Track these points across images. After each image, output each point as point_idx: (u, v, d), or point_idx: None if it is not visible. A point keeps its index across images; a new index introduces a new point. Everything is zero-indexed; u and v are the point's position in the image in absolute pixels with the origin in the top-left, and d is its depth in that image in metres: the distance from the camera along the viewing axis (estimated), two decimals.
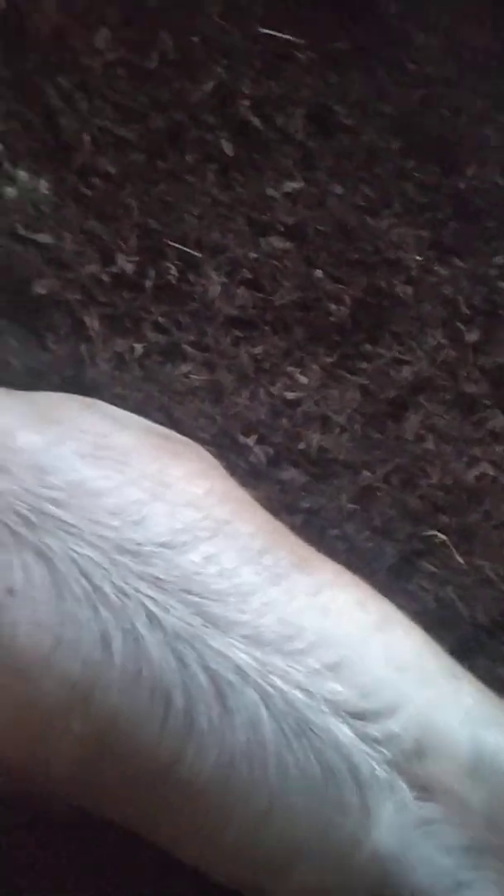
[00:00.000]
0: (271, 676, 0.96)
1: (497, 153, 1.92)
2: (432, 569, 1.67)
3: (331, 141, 1.80)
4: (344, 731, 0.96)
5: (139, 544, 0.97)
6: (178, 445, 1.16)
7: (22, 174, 1.65)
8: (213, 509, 1.03)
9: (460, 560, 1.74)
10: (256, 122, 1.75)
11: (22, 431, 0.99)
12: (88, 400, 1.14)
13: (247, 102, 1.74)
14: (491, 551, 1.73)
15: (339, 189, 1.79)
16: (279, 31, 1.80)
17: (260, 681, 0.95)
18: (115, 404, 1.32)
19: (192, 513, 1.02)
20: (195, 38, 1.77)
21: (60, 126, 1.67)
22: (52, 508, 0.95)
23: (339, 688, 0.97)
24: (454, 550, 1.73)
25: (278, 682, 0.96)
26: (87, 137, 1.67)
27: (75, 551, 0.94)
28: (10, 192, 1.64)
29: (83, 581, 0.94)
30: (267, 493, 1.74)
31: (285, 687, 0.96)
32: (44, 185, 1.65)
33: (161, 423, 1.49)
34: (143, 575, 0.96)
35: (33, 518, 0.94)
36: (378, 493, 1.64)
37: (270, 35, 1.81)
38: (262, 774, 0.95)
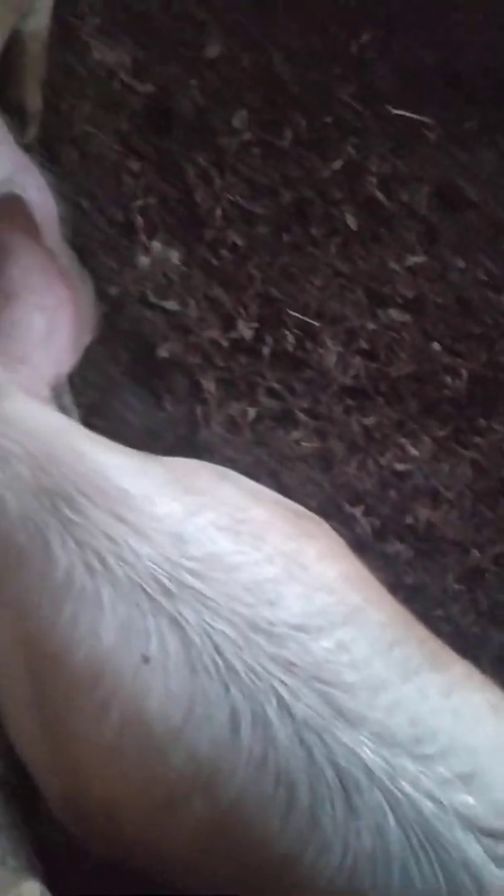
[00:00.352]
0: (400, 781, 0.84)
1: None
2: None
3: (455, 216, 1.62)
4: (475, 849, 0.83)
5: (272, 624, 0.88)
6: (309, 523, 1.04)
7: (156, 245, 1.54)
8: (346, 594, 0.93)
9: None
10: (382, 197, 1.59)
11: (162, 498, 0.92)
12: (221, 469, 1.05)
13: (374, 179, 1.59)
14: None
15: (461, 263, 1.60)
16: (410, 112, 1.63)
17: (389, 784, 0.84)
18: (226, 467, 1.21)
19: (326, 596, 0.92)
20: (328, 119, 1.63)
21: (195, 201, 1.55)
22: (189, 579, 0.88)
23: (471, 801, 0.84)
24: None
25: (408, 788, 0.84)
26: (218, 212, 1.55)
27: (210, 625, 0.87)
28: (144, 261, 1.53)
29: (216, 656, 0.86)
30: (371, 566, 1.52)
31: (415, 794, 0.83)
32: (175, 256, 1.54)
33: (270, 483, 1.42)
34: (275, 657, 0.86)
35: (171, 586, 0.87)
36: (486, 575, 1.43)
37: (401, 115, 1.64)
38: (385, 884, 0.83)
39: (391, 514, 1.50)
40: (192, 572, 0.88)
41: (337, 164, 1.66)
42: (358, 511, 1.50)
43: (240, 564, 0.89)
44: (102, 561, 0.87)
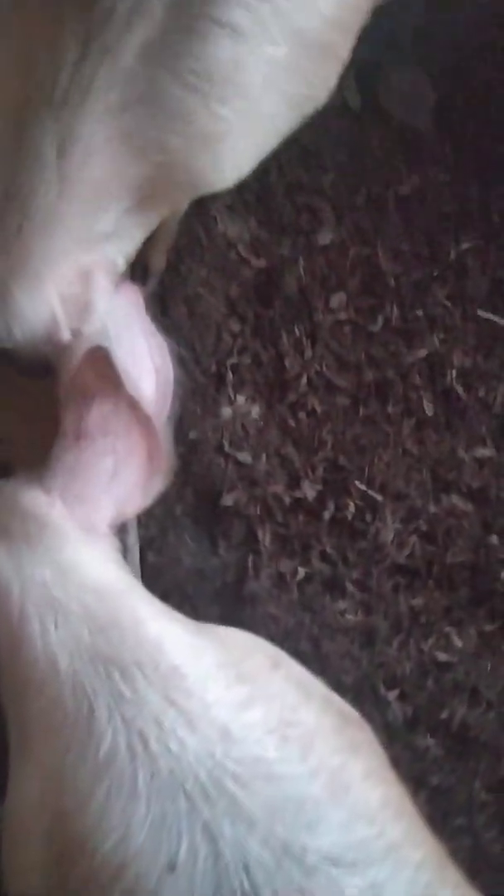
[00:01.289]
0: None
1: None
2: None
3: None
4: None
5: (306, 850, 0.62)
6: (355, 731, 0.78)
7: (241, 399, 1.17)
8: (387, 825, 0.67)
9: None
10: (460, 390, 1.22)
11: (215, 684, 0.69)
12: (275, 653, 0.82)
13: (454, 372, 1.23)
14: None
15: None
16: (495, 316, 1.22)
17: None
18: (267, 624, 1.09)
19: (366, 828, 0.66)
20: (419, 312, 1.25)
21: (284, 366, 1.20)
22: (230, 785, 0.63)
23: None
24: None
25: None
26: (304, 378, 1.20)
27: (244, 842, 0.61)
28: (227, 412, 1.17)
29: (244, 877, 0.60)
30: (396, 756, 0.98)
31: None
32: (255, 411, 1.17)
33: (308, 655, 1.16)
34: (303, 890, 0.60)
35: (211, 790, 0.62)
36: None
37: (487, 318, 1.24)
38: None
39: (426, 706, 1.04)
40: (234, 777, 0.65)
41: (421, 353, 1.30)
42: (392, 695, 1.04)
43: (283, 776, 0.66)
44: (146, 746, 0.65)
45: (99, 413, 0.75)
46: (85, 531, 0.75)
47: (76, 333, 0.77)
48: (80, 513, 0.75)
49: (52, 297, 0.74)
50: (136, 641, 0.69)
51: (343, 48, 0.77)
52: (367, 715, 1.17)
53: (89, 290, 0.76)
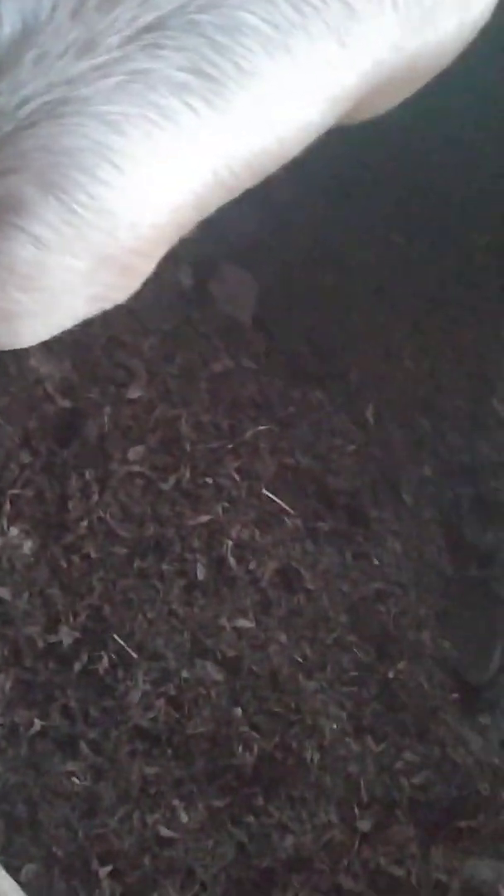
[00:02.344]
0: None
1: (426, 658, 1.34)
2: None
3: (290, 596, 1.31)
4: None
5: None
6: None
7: (13, 531, 1.13)
8: None
9: None
10: (232, 561, 1.29)
11: None
12: None
13: (230, 542, 1.29)
14: None
15: (283, 638, 1.23)
16: (278, 498, 1.36)
17: None
18: None
19: None
20: (209, 480, 1.32)
21: (67, 507, 1.20)
22: None
23: None
24: None
25: None
26: (85, 522, 1.20)
27: None
28: None
29: None
30: None
31: None
32: (28, 546, 1.13)
33: (21, 822, 1.08)
34: None
35: None
36: None
37: (270, 498, 1.36)
38: None
39: (137, 886, 0.98)
40: None
41: (203, 518, 1.37)
42: (104, 871, 0.98)
43: None
44: None
45: None
46: None
47: None
48: None
49: None
50: None
51: (143, 268, 0.87)
52: (73, 892, 1.10)
53: None
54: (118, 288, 0.85)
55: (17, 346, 0.84)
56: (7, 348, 0.86)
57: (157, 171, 0.78)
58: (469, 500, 1.74)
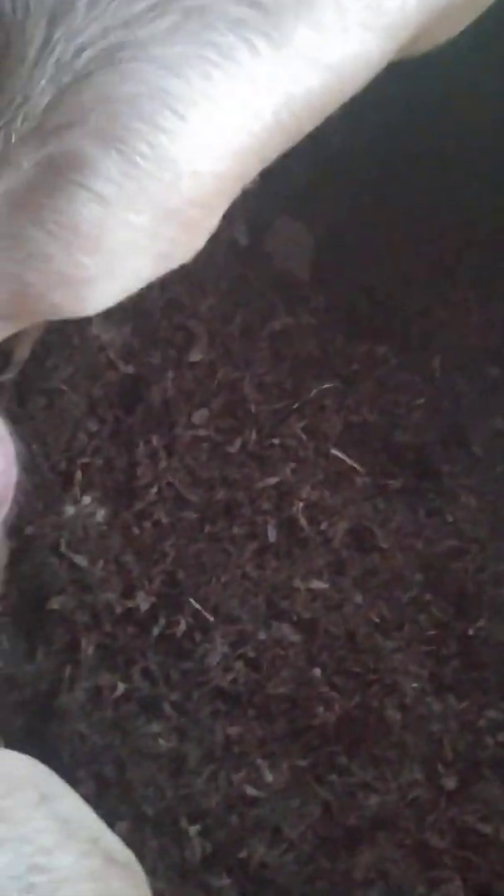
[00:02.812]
0: None
1: None
2: None
3: (363, 556, 1.31)
4: None
5: None
6: (117, 874, 0.73)
7: (86, 499, 1.18)
8: None
9: None
10: (303, 521, 1.28)
11: None
12: (46, 784, 0.73)
13: (300, 503, 1.29)
14: None
15: (359, 598, 1.24)
16: (346, 456, 1.34)
17: None
18: (74, 741, 1.06)
19: None
20: (276, 441, 1.33)
21: (136, 474, 1.22)
22: None
23: None
24: None
25: None
26: (154, 489, 1.23)
27: None
28: (70, 510, 1.18)
29: None
30: None
31: None
32: (101, 514, 1.18)
33: (110, 781, 1.13)
34: None
35: None
36: None
37: (338, 457, 1.36)
38: None
39: (226, 843, 1.03)
40: None
41: (272, 480, 1.37)
42: (194, 829, 1.03)
43: None
44: None
45: None
46: None
47: None
48: None
49: None
50: None
51: (206, 222, 0.86)
52: (164, 850, 1.14)
53: None
54: (183, 245, 0.85)
55: (83, 314, 0.85)
56: (73, 317, 0.87)
57: (218, 115, 0.77)
58: None
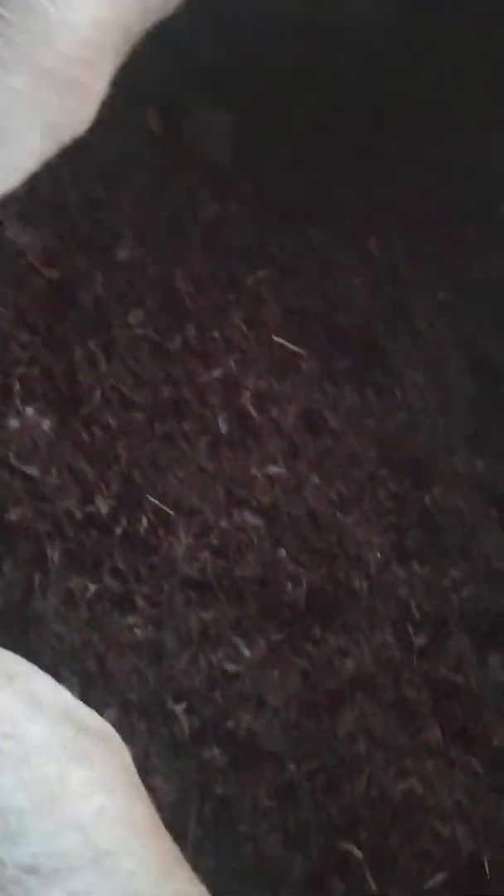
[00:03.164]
0: None
1: (461, 480, 1.40)
2: (342, 888, 0.98)
3: (316, 439, 1.34)
4: None
5: (4, 862, 0.61)
6: (91, 742, 0.74)
7: (29, 410, 1.19)
8: (97, 835, 0.66)
9: (373, 885, 1.04)
10: (253, 411, 1.30)
11: None
12: (13, 666, 0.75)
13: (248, 393, 1.31)
14: (406, 880, 1.03)
15: (316, 480, 1.28)
16: (290, 343, 1.36)
17: None
18: (53, 643, 1.08)
19: (73, 836, 0.64)
20: (216, 334, 1.34)
21: (77, 379, 1.22)
22: None
23: None
24: (367, 872, 1.04)
25: None
26: (98, 393, 1.22)
27: None
28: (14, 423, 1.16)
29: None
30: (183, 769, 1.04)
31: None
32: (46, 424, 1.17)
33: (93, 674, 1.16)
34: None
35: None
36: (298, 794, 1.02)
37: (282, 344, 1.37)
38: None
39: (213, 717, 1.09)
40: None
41: (217, 373, 1.39)
42: (180, 708, 1.09)
43: None
44: None
45: None
46: None
47: None
48: None
49: None
50: None
51: (92, 84, 0.83)
52: (154, 731, 1.21)
53: None
54: (70, 111, 0.82)
55: None
56: None
57: None
58: (488, 319, 1.74)
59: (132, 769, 0.77)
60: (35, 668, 0.79)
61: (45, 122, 0.79)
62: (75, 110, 0.81)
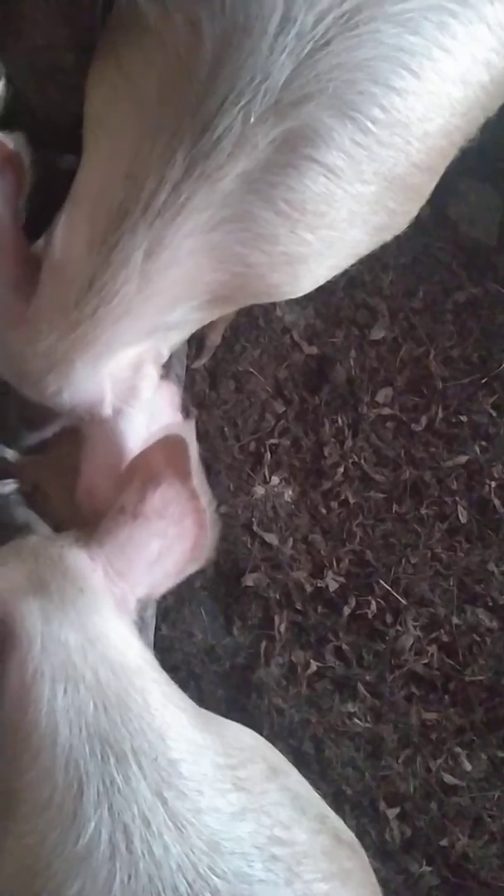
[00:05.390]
0: None
1: None
2: None
3: None
4: None
5: None
6: (347, 856, 0.70)
7: (275, 479, 1.16)
8: None
9: None
10: (497, 503, 1.16)
11: (210, 789, 0.63)
12: (276, 761, 0.73)
13: (493, 483, 1.17)
14: None
15: None
16: None
17: None
18: (272, 715, 1.03)
19: None
20: (463, 418, 1.23)
21: (323, 453, 1.19)
22: None
23: None
24: None
25: None
26: (342, 468, 1.19)
27: None
28: (259, 490, 1.17)
29: None
30: (387, 879, 0.94)
31: None
32: (288, 494, 1.16)
33: (310, 757, 1.11)
34: None
35: None
36: None
37: None
38: None
39: (426, 830, 0.97)
40: (214, 893, 0.60)
41: (461, 459, 1.28)
42: (393, 813, 0.99)
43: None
44: (129, 844, 0.60)
45: (161, 497, 0.74)
46: (117, 604, 0.75)
47: (117, 411, 0.80)
48: (118, 587, 0.73)
49: (106, 377, 0.77)
50: (139, 727, 0.66)
51: (427, 187, 0.79)
52: (363, 830, 1.11)
53: (138, 376, 0.79)
54: (400, 214, 0.79)
55: (296, 295, 0.81)
56: (285, 298, 0.83)
57: (451, 67, 0.70)
58: None
59: (374, 879, 0.70)
60: (285, 759, 0.74)
61: (375, 225, 0.77)
62: (405, 213, 0.79)
